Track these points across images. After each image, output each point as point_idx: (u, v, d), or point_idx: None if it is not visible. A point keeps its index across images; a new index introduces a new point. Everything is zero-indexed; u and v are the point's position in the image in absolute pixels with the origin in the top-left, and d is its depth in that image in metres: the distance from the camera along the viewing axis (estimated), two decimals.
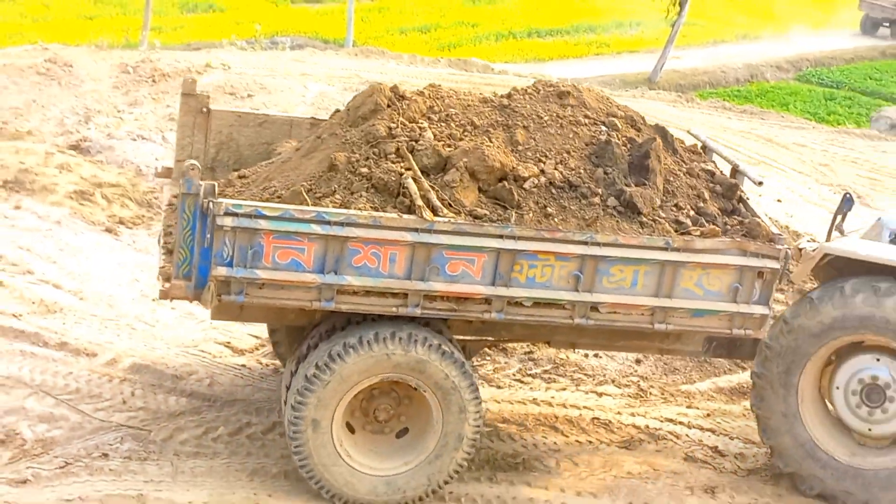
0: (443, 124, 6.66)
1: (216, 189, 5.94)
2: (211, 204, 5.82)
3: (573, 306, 6.30)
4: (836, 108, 23.31)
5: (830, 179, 13.78)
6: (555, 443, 7.52)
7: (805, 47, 28.23)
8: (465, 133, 6.60)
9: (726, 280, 6.49)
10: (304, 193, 6.14)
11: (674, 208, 6.62)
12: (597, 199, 6.39)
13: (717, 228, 6.44)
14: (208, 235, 5.94)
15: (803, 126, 18.40)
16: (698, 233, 6.40)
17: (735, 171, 7.27)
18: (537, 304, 6.31)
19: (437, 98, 6.85)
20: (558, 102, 6.91)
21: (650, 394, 8.41)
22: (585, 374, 8.63)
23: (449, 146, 6.44)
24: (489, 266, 6.20)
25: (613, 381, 8.52)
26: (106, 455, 6.60)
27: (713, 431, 7.86)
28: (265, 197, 6.36)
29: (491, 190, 6.34)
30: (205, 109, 7.57)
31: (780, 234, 6.54)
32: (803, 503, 7.01)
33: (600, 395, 8.28)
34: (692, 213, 6.61)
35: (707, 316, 6.55)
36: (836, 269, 7.04)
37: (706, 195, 6.82)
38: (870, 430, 6.96)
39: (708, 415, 8.10)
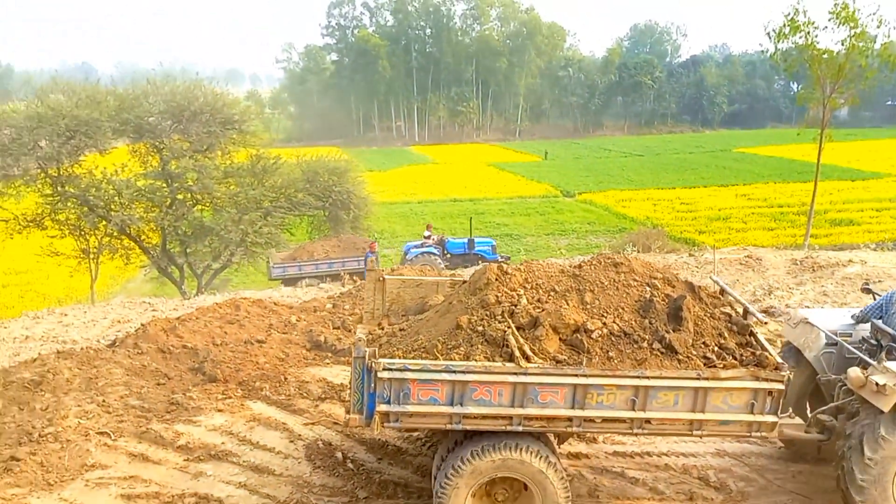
0: (533, 291, 8.39)
1: (376, 353, 7.85)
2: (373, 363, 7.78)
3: (632, 421, 7.89)
4: None
5: None
6: None
7: None
8: (549, 297, 8.31)
9: (744, 398, 7.82)
10: (438, 348, 8.02)
11: (702, 345, 8.03)
12: (645, 344, 7.95)
13: (735, 362, 7.86)
14: (372, 384, 7.78)
15: None
16: (721, 366, 7.83)
17: (746, 312, 8.67)
18: (605, 419, 7.94)
19: (530, 271, 8.60)
20: (614, 270, 8.57)
21: None
22: None
23: (537, 308, 8.16)
24: (569, 395, 7.75)
25: None
26: None
27: None
28: (415, 347, 8.17)
29: (568, 339, 7.99)
30: (381, 278, 9.78)
31: (782, 363, 7.90)
32: None
33: None
34: (716, 348, 8.04)
35: (731, 424, 7.92)
36: None
37: (725, 333, 8.22)
38: None
39: None
